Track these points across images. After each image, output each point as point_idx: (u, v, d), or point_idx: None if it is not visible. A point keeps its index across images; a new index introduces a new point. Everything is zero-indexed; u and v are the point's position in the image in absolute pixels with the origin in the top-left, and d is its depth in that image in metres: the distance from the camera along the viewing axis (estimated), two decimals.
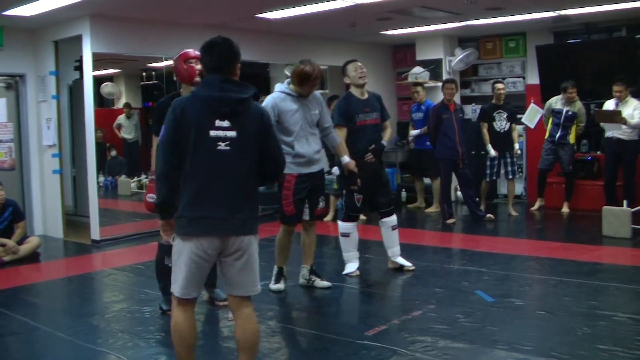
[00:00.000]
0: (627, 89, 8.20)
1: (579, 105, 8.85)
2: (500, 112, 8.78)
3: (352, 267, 5.98)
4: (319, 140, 5.33)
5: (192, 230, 3.11)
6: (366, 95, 5.84)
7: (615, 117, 8.06)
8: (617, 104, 8.23)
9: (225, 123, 3.12)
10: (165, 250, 4.87)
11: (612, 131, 8.36)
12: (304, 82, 5.12)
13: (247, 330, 3.31)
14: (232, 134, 3.13)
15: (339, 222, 6.01)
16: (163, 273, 4.94)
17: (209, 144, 3.10)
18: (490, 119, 8.78)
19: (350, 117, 5.72)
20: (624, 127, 8.10)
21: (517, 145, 8.91)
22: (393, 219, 6.03)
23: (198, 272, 3.18)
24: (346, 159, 5.56)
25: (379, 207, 5.97)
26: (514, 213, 8.97)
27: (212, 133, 3.10)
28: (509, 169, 8.82)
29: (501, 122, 8.76)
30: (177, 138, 3.10)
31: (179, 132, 3.10)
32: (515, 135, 8.91)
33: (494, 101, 8.90)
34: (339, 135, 5.65)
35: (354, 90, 5.81)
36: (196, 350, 4.17)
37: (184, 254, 3.14)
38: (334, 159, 8.92)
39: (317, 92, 5.39)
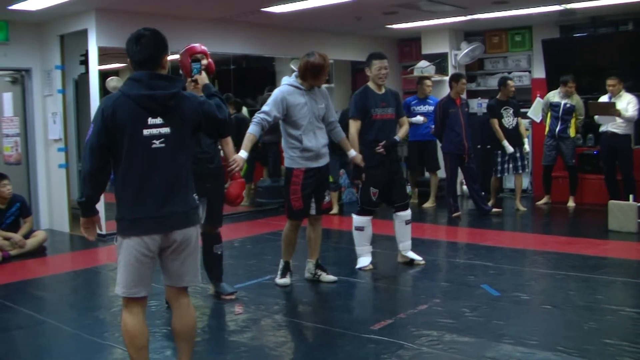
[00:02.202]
0: (621, 83, 8.20)
1: (576, 98, 8.85)
2: (507, 109, 8.73)
3: (365, 261, 5.97)
4: (325, 135, 5.32)
5: (134, 231, 3.09)
6: (383, 90, 5.83)
7: (609, 109, 8.07)
8: (610, 99, 8.25)
9: (158, 120, 3.07)
10: None
11: (606, 125, 8.36)
12: (316, 75, 5.11)
13: (184, 321, 3.31)
14: (165, 130, 3.08)
15: (354, 216, 5.99)
16: None
17: (143, 143, 3.05)
18: (499, 115, 8.72)
19: (366, 111, 5.71)
20: (618, 120, 8.10)
21: (526, 141, 8.88)
22: (407, 213, 6.03)
23: (143, 269, 3.14)
24: (352, 152, 5.55)
25: (394, 201, 5.95)
26: (521, 208, 8.93)
27: (146, 132, 3.05)
28: (519, 163, 8.78)
29: (509, 118, 8.71)
30: (105, 140, 3.04)
31: (108, 134, 3.03)
32: (523, 129, 8.87)
33: (499, 97, 8.84)
34: (353, 128, 5.67)
35: (372, 85, 5.81)
36: (202, 343, 4.19)
37: (127, 254, 3.10)
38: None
39: (323, 87, 5.38)
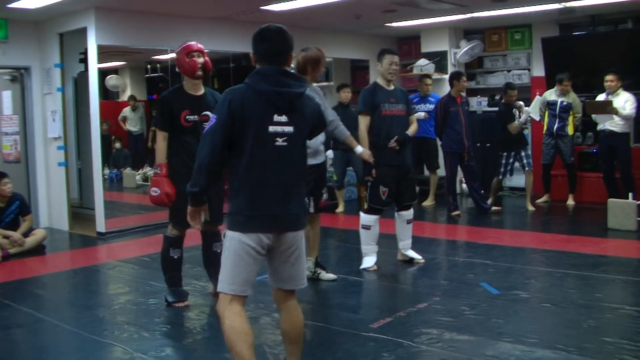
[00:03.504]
0: (619, 80, 8.18)
1: (573, 96, 8.86)
2: (514, 111, 8.73)
3: (370, 261, 5.95)
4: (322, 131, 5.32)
5: (251, 228, 3.03)
6: (392, 87, 5.83)
7: (606, 107, 8.06)
8: (607, 96, 8.24)
9: (283, 118, 3.03)
10: (171, 243, 4.89)
11: (604, 124, 8.35)
12: (316, 66, 5.12)
13: (293, 322, 3.30)
14: (289, 129, 3.05)
15: (361, 214, 5.97)
16: (168, 265, 4.96)
17: (268, 140, 3.01)
18: (511, 119, 8.63)
19: (375, 106, 5.69)
20: (616, 118, 8.08)
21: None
22: (410, 212, 6.01)
23: (253, 267, 3.09)
24: (360, 149, 5.54)
25: (402, 200, 5.92)
26: (531, 208, 8.88)
27: (271, 129, 3.00)
28: (524, 161, 8.74)
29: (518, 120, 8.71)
30: (230, 133, 2.99)
31: (233, 127, 2.98)
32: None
33: (505, 101, 8.80)
34: (362, 123, 5.67)
35: (380, 81, 5.80)
36: (202, 342, 4.20)
37: (240, 250, 3.04)
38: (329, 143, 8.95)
39: (315, 85, 5.36)
